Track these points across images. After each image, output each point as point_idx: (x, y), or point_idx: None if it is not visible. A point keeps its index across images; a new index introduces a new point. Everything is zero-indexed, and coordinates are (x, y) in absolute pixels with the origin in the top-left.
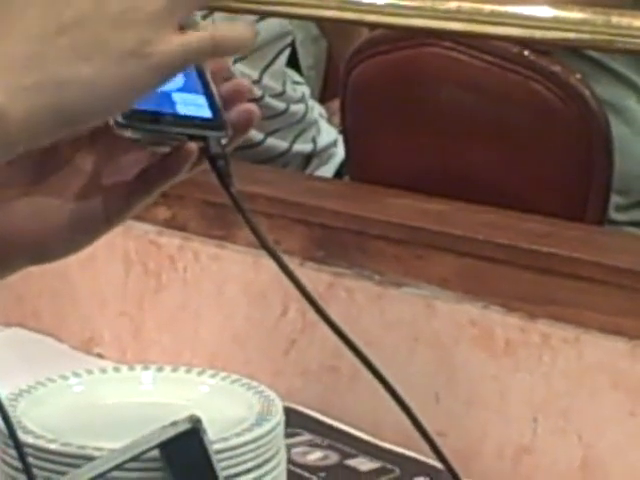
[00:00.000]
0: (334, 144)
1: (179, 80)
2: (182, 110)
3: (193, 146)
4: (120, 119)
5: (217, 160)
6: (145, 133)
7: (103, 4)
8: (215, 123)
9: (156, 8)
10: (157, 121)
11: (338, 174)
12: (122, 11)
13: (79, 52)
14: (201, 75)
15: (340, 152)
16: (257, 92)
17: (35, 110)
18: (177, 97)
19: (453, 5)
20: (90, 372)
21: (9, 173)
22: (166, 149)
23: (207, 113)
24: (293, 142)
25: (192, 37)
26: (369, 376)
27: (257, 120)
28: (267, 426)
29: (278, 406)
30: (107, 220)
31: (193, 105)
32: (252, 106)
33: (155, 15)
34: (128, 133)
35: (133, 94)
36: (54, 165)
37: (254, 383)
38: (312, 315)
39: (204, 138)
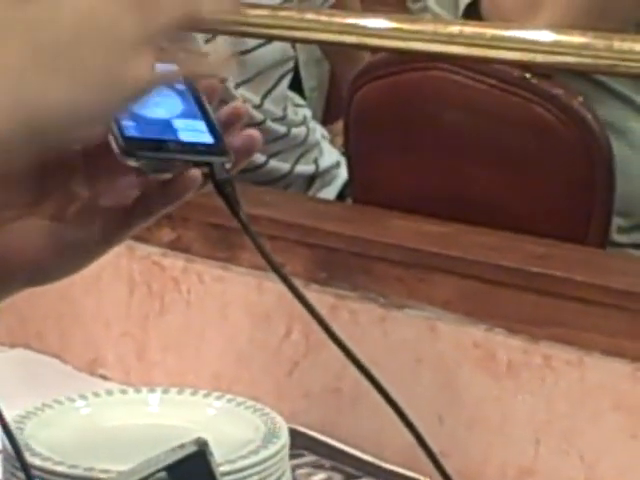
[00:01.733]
0: (337, 166)
1: (178, 106)
2: (185, 137)
3: (197, 172)
4: (124, 148)
5: (224, 186)
6: (149, 161)
7: (81, 29)
8: (218, 148)
9: (132, 35)
10: (161, 149)
11: (341, 196)
12: (99, 37)
13: (54, 73)
14: (198, 100)
15: (343, 174)
16: (258, 116)
17: (6, 127)
18: (178, 124)
19: (455, 29)
20: (97, 394)
21: (6, 195)
22: (169, 175)
23: (209, 139)
24: (295, 164)
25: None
26: (372, 398)
27: (259, 145)
28: (273, 448)
29: (283, 428)
30: (105, 242)
31: (194, 131)
32: (254, 131)
33: (131, 42)
34: (132, 162)
35: (105, 116)
36: (51, 188)
37: (259, 405)
38: (316, 337)
39: (208, 164)
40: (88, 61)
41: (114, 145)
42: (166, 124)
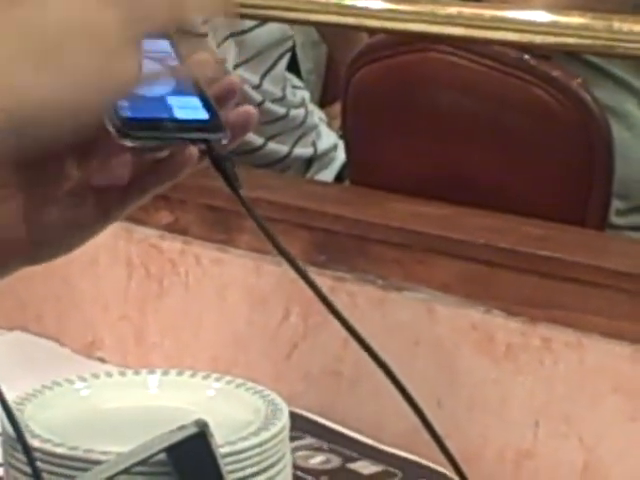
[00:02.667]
0: (334, 148)
1: (170, 82)
2: (180, 114)
3: (194, 150)
4: (120, 129)
5: (223, 162)
6: (146, 141)
7: (66, 28)
8: (213, 124)
9: (117, 34)
10: (156, 128)
11: (338, 178)
12: (84, 35)
13: (40, 70)
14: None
15: (340, 156)
16: (257, 97)
17: None
18: (172, 101)
19: (453, 10)
20: (96, 376)
21: None
22: (165, 153)
23: (204, 115)
24: (293, 146)
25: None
26: (371, 380)
27: (255, 122)
28: (273, 430)
29: (283, 410)
30: (99, 221)
31: (189, 108)
32: (250, 108)
33: (116, 41)
34: (128, 142)
35: (90, 112)
36: (43, 168)
37: (259, 387)
38: (314, 319)
39: (205, 140)
40: (73, 59)
41: (109, 126)
42: (160, 101)
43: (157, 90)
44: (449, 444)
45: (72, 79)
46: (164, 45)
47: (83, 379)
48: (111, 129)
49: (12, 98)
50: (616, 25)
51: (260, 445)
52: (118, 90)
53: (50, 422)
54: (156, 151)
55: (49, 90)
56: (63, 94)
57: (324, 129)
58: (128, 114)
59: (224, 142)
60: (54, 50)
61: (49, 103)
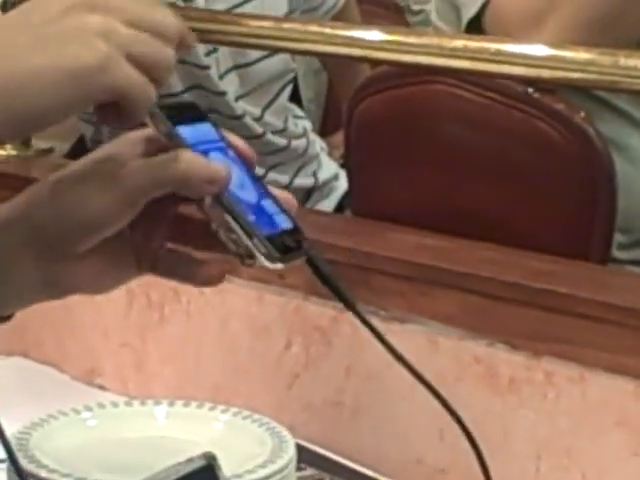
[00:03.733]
0: (335, 178)
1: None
2: (270, 227)
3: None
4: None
5: (332, 278)
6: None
7: (77, 11)
8: (297, 230)
9: (99, 32)
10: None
11: (339, 208)
12: (99, 23)
13: (38, 44)
14: (253, 174)
15: (341, 186)
16: (258, 129)
17: None
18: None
19: (460, 43)
20: (102, 406)
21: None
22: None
23: (287, 223)
24: (294, 177)
25: (141, 77)
26: (372, 411)
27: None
28: (280, 463)
29: (290, 443)
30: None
31: (274, 215)
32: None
33: (96, 35)
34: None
35: (78, 98)
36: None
37: (265, 419)
38: (316, 350)
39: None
40: (75, 39)
41: (258, 254)
42: (269, 214)
43: (249, 195)
44: (451, 477)
45: (70, 61)
46: (206, 129)
47: (89, 409)
48: (262, 259)
49: (6, 64)
50: (622, 61)
51: (267, 478)
52: (111, 90)
53: (57, 452)
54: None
55: (43, 67)
56: (57, 73)
57: (325, 159)
58: (268, 231)
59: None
60: (59, 35)
61: (38, 79)
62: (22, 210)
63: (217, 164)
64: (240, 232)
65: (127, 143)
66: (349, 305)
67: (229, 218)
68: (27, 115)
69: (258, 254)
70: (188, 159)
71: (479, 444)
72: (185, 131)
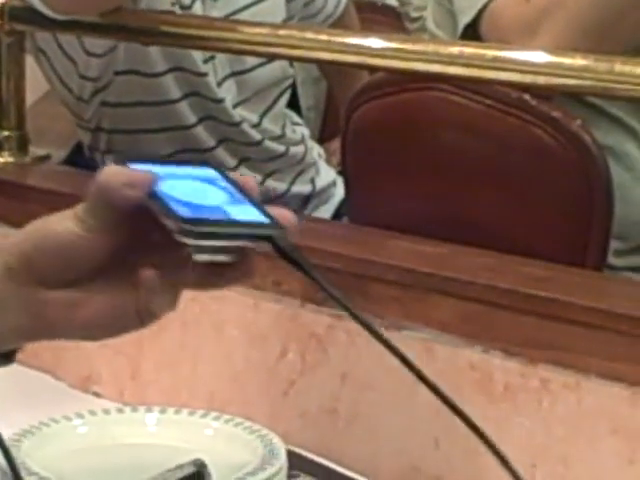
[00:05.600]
0: (333, 185)
1: (223, 195)
2: (240, 217)
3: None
4: (181, 226)
5: (294, 253)
6: (207, 241)
7: None
8: (272, 223)
9: None
10: (220, 225)
11: (336, 215)
12: None
13: None
14: (238, 188)
15: (339, 192)
16: (257, 136)
17: None
18: (229, 209)
19: (456, 50)
20: (93, 413)
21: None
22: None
23: (262, 218)
24: (292, 183)
25: None
26: (368, 419)
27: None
28: (271, 470)
29: (281, 450)
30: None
31: (246, 213)
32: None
33: None
34: (190, 240)
35: None
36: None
37: (257, 426)
38: (311, 357)
39: (268, 237)
40: None
41: (172, 225)
42: (218, 209)
43: (212, 201)
44: None
45: None
46: (210, 172)
47: (80, 416)
48: (174, 227)
49: None
50: (618, 67)
51: None
52: None
53: (47, 459)
54: (214, 254)
55: None
56: None
57: (323, 165)
58: (189, 214)
59: (287, 237)
60: None
61: None
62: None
63: (138, 171)
64: (162, 213)
65: None
66: (319, 283)
67: (157, 206)
68: None
69: (173, 226)
70: (107, 170)
71: (474, 450)
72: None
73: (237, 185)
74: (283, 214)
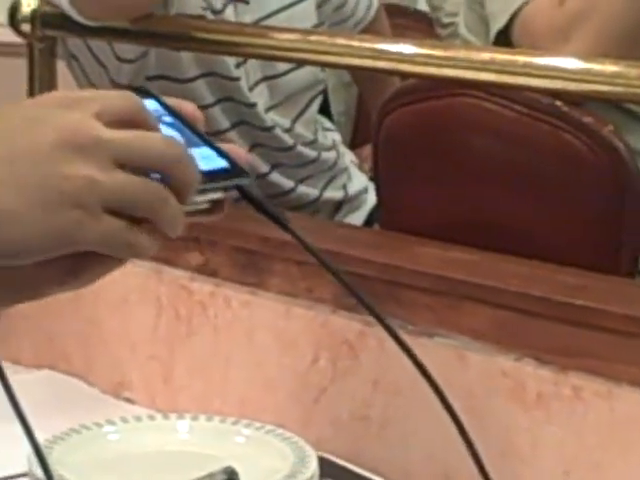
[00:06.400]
0: (365, 191)
1: (179, 138)
2: (203, 166)
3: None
4: None
5: (264, 202)
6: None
7: (62, 154)
8: (236, 170)
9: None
10: None
11: (368, 221)
12: (77, 171)
13: (15, 183)
14: (192, 128)
15: (370, 199)
16: (289, 141)
17: None
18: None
19: (487, 56)
20: (125, 420)
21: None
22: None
23: (223, 163)
24: (324, 189)
25: (119, 228)
26: (400, 426)
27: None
28: (302, 477)
29: (312, 457)
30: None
31: (206, 158)
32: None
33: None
34: None
35: (54, 240)
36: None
37: (288, 434)
38: (343, 363)
39: (237, 187)
40: (58, 181)
41: None
42: None
43: None
44: None
45: (46, 206)
46: (153, 104)
47: (112, 423)
48: None
49: None
50: None
51: None
52: (81, 243)
53: (78, 466)
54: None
55: (16, 207)
56: (29, 216)
57: (355, 171)
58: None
59: (251, 184)
60: (41, 175)
61: (8, 219)
62: None
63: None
64: None
65: None
66: (294, 234)
67: None
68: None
69: None
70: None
71: (507, 458)
72: None
73: (183, 120)
74: (239, 154)
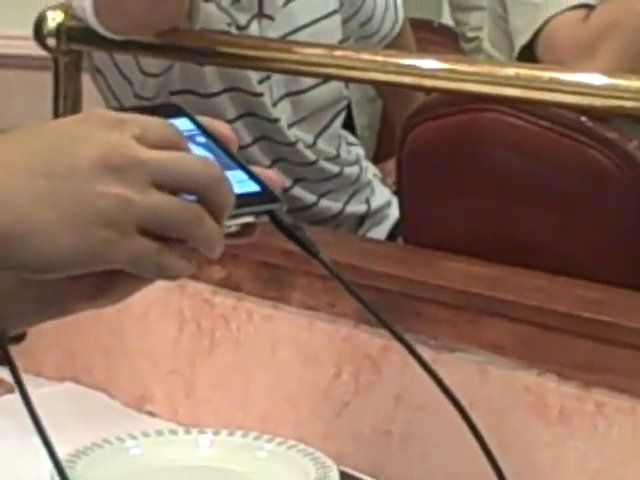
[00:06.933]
0: (388, 205)
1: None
2: (237, 189)
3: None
4: None
5: (295, 231)
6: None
7: (100, 172)
8: (267, 194)
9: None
10: None
11: (391, 235)
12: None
13: (52, 198)
14: (226, 150)
15: (394, 213)
16: (311, 156)
17: None
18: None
19: (511, 72)
20: (146, 434)
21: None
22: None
23: (255, 187)
24: (346, 203)
25: (151, 249)
26: (422, 440)
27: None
28: None
29: (334, 473)
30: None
31: (239, 182)
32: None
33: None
34: None
35: (85, 257)
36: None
37: (310, 449)
38: (365, 378)
39: (268, 212)
40: (94, 199)
41: None
42: None
43: None
44: None
45: (81, 223)
46: (186, 123)
47: (133, 437)
48: None
49: (13, 224)
50: None
51: None
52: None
53: None
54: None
55: (53, 225)
56: (66, 233)
57: (378, 185)
58: None
59: (284, 209)
60: (77, 191)
61: (45, 236)
62: None
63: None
64: None
65: None
66: (316, 256)
67: None
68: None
69: None
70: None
71: (529, 473)
72: None
73: (216, 140)
74: (272, 179)
